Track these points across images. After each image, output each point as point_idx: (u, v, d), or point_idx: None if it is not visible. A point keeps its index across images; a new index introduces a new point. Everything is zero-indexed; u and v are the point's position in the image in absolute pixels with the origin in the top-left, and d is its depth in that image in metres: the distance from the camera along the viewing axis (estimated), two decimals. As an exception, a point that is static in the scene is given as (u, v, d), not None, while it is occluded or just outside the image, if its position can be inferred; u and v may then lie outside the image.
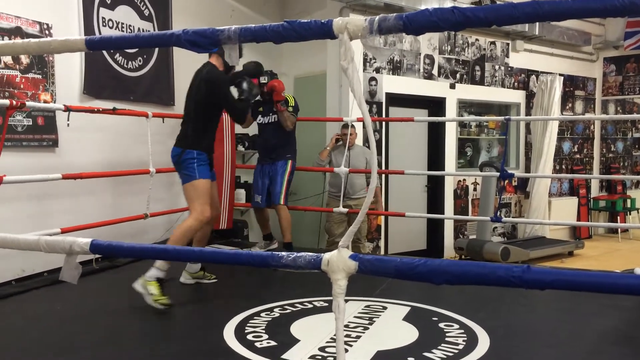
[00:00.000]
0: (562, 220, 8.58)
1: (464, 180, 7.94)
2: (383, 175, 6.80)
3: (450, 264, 1.05)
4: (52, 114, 4.24)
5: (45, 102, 4.19)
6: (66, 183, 4.23)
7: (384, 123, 6.98)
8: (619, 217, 9.68)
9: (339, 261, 1.21)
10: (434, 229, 7.68)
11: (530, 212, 8.43)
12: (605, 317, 3.48)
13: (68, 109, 3.83)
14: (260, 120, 5.10)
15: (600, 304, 3.65)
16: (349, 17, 1.27)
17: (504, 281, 1.00)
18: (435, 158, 7.68)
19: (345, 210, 5.52)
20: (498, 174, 6.93)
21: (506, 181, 8.49)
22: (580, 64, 9.61)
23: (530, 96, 8.70)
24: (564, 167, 9.44)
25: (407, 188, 7.32)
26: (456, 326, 3.25)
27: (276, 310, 3.53)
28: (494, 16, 1.07)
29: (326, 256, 1.24)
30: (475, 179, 7.97)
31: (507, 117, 5.36)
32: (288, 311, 3.52)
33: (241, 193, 6.36)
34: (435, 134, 7.67)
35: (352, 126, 6.19)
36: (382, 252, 7.10)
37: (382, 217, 6.88)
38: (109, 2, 4.90)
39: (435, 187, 7.69)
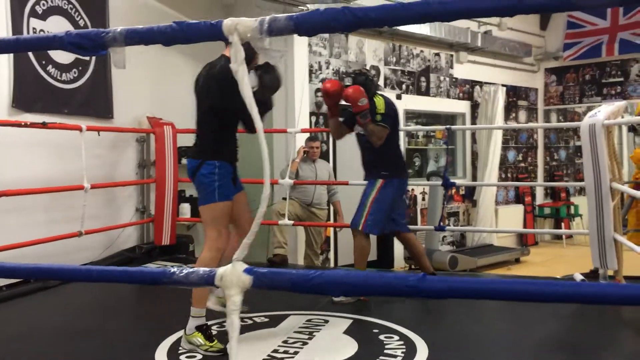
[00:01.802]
0: (508, 228, 8.74)
1: (412, 190, 8.00)
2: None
3: (345, 275, 1.00)
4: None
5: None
6: (-7, 201, 4.01)
7: (330, 134, 6.95)
8: (563, 224, 9.94)
9: (232, 276, 1.14)
10: (384, 239, 7.63)
11: (477, 220, 8.56)
12: (546, 324, 3.51)
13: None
14: (356, 129, 4.18)
15: (543, 313, 3.68)
16: (240, 18, 1.21)
17: (399, 291, 0.96)
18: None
19: (291, 222, 5.46)
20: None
21: (453, 190, 8.61)
22: (523, 74, 9.88)
23: (475, 106, 8.87)
24: (509, 175, 9.64)
25: (356, 199, 7.30)
26: (396, 338, 3.22)
27: (214, 327, 3.42)
28: (385, 16, 1.04)
29: (220, 271, 1.17)
30: (424, 188, 8.04)
31: (447, 126, 5.42)
32: (224, 329, 3.41)
33: (186, 207, 6.20)
34: (383, 144, 7.69)
35: (318, 139, 6.19)
36: (332, 264, 7.05)
37: (331, 229, 6.84)
38: (40, 12, 4.72)
39: (384, 198, 7.69)
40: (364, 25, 1.07)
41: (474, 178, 8.86)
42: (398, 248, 7.74)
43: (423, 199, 8.11)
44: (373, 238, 7.56)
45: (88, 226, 4.88)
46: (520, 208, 9.58)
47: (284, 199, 5.89)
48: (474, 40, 8.44)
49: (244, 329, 3.38)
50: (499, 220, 8.97)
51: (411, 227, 7.75)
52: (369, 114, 3.86)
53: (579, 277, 4.73)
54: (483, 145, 8.68)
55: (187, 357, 2.94)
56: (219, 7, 6.56)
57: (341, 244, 7.12)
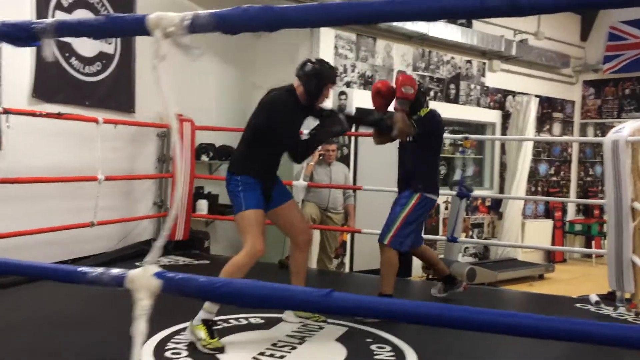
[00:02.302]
0: (533, 243, 8.48)
1: (436, 198, 7.84)
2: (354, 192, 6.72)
3: (251, 286, 0.96)
4: (-6, 116, 4.14)
5: (-14, 104, 4.10)
6: (8, 188, 4.12)
7: (352, 138, 6.90)
8: (594, 242, 9.60)
9: (142, 279, 1.12)
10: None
11: (502, 233, 8.35)
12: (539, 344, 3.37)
13: (6, 112, 3.73)
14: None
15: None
16: (164, 13, 1.18)
17: (304, 306, 0.91)
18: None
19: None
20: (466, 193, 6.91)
21: (479, 201, 8.43)
22: (559, 85, 9.59)
23: (506, 116, 8.66)
24: (539, 189, 9.37)
25: (377, 205, 7.21)
26: (388, 348, 3.14)
27: (221, 322, 3.41)
28: (304, 16, 0.99)
29: (131, 273, 1.15)
30: (447, 198, 7.88)
31: (465, 135, 5.29)
32: (219, 327, 3.39)
33: (203, 204, 6.24)
34: (407, 151, 7.59)
35: (335, 142, 6.16)
36: (347, 269, 6.99)
37: (348, 234, 6.78)
38: (65, 5, 4.83)
39: (405, 205, 7.59)
40: (284, 24, 1.03)
41: (502, 190, 8.64)
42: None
43: (446, 209, 7.96)
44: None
45: (104, 217, 4.96)
46: (549, 223, 9.30)
47: (304, 201, 5.88)
48: (509, 49, 8.24)
49: (236, 329, 3.37)
50: (525, 235, 8.73)
51: (426, 236, 7.65)
52: (407, 104, 3.66)
53: (594, 298, 4.54)
54: (512, 156, 8.47)
55: (172, 353, 2.94)
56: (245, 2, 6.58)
57: (357, 249, 7.05)
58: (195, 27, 1.13)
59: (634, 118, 8.72)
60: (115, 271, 1.18)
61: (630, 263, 4.15)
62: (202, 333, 3.02)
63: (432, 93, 7.76)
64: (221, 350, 2.99)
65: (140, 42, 5.64)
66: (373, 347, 3.16)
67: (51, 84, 4.69)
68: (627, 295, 4.30)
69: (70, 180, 4.62)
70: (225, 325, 3.42)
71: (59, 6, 4.76)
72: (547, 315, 1.08)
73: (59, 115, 4.16)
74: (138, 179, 5.62)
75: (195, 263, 5.45)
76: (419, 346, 3.15)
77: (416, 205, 3.81)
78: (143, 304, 1.11)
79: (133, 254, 5.47)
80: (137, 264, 5.17)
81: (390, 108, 3.84)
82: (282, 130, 3.26)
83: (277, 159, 3.39)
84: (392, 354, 3.06)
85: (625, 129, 4.19)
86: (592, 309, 4.38)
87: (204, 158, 6.36)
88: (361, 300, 0.89)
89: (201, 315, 3.05)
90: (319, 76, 3.27)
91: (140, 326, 1.17)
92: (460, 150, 8.03)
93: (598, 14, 9.66)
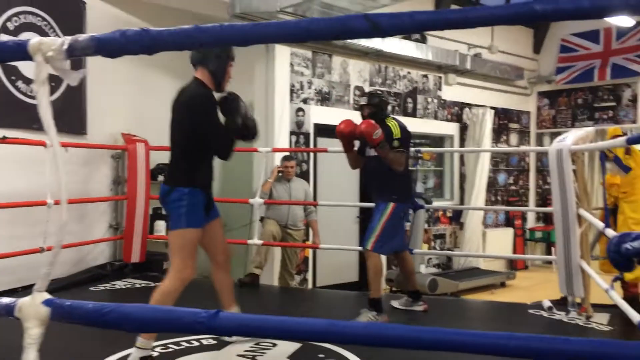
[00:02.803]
0: (495, 252, 8.62)
1: (397, 211, 7.91)
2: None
3: (139, 311, 0.95)
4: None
5: None
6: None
7: (311, 154, 6.93)
8: (553, 248, 9.77)
9: (31, 308, 1.10)
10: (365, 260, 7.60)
11: (464, 243, 8.45)
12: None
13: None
14: (367, 152, 4.16)
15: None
16: (44, 38, 1.19)
17: (190, 328, 0.91)
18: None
19: (260, 242, 5.42)
20: (428, 205, 6.99)
21: (440, 212, 8.53)
22: (515, 97, 9.83)
23: (464, 128, 8.82)
24: (499, 198, 9.54)
25: (338, 219, 7.25)
26: (340, 364, 3.13)
27: (157, 349, 3.35)
28: (180, 39, 1.01)
29: (19, 302, 1.13)
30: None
31: (417, 149, 5.38)
32: (170, 350, 3.34)
33: (161, 225, 6.17)
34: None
35: (294, 158, 6.17)
36: (310, 284, 6.97)
37: (310, 250, 6.77)
38: (12, 28, 4.76)
39: (367, 219, 7.62)
40: (160, 47, 1.04)
41: (462, 200, 8.77)
42: (381, 270, 7.65)
43: (408, 221, 8.02)
44: (355, 260, 7.56)
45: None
46: (510, 231, 9.46)
47: (262, 219, 5.86)
48: (463, 63, 8.42)
49: (188, 351, 3.32)
50: (487, 244, 8.86)
51: None
52: (386, 144, 3.88)
53: (547, 303, 4.63)
54: (471, 167, 8.62)
55: (118, 379, 2.87)
56: (189, 18, 6.59)
57: (320, 265, 7.05)
58: (74, 50, 1.13)
59: (586, 127, 8.99)
60: (5, 300, 1.16)
61: (578, 268, 4.24)
62: None
63: (390, 108, 7.85)
64: None
65: (92, 62, 5.58)
66: (325, 363, 3.15)
67: (-3, 108, 4.61)
68: (578, 300, 4.39)
69: (18, 206, 4.52)
70: (176, 348, 3.37)
71: (4, 29, 4.68)
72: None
73: (3, 140, 4.07)
74: (91, 202, 5.52)
75: (152, 285, 5.35)
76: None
77: (392, 214, 4.01)
78: (32, 333, 1.09)
79: (88, 279, 5.37)
80: (91, 288, 5.07)
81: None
82: (216, 126, 3.05)
83: (212, 164, 3.17)
84: (343, 369, 3.05)
85: (569, 138, 4.31)
86: (545, 314, 4.46)
87: (161, 178, 6.30)
88: (247, 319, 0.89)
89: (137, 354, 2.88)
90: (220, 55, 3.09)
91: (30, 356, 1.14)
92: (413, 164, 8.12)
93: (549, 27, 9.96)
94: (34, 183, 4.79)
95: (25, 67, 4.82)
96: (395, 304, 4.50)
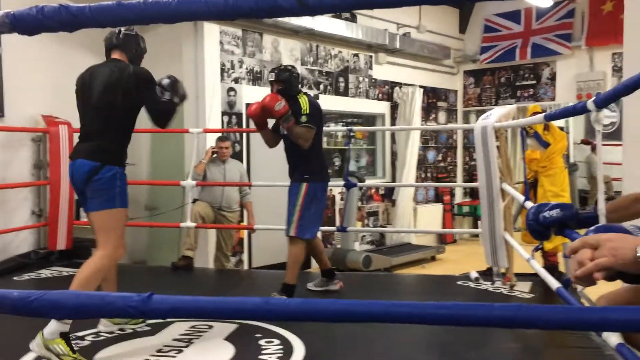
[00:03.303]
0: (424, 227, 8.90)
1: (331, 190, 8.00)
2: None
3: (67, 297, 0.93)
4: None
5: None
6: None
7: (244, 135, 6.86)
8: (479, 222, 10.20)
9: None
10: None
11: (396, 219, 8.67)
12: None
13: None
14: (281, 131, 4.09)
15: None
16: None
17: (123, 312, 0.90)
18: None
19: (193, 225, 5.34)
20: (361, 184, 7.11)
21: (373, 190, 8.70)
22: (442, 76, 10.08)
23: (395, 107, 8.98)
24: (429, 174, 9.83)
25: (274, 200, 7.23)
26: (277, 342, 3.17)
27: (89, 337, 3.26)
28: (101, 16, 0.97)
29: None
30: (342, 189, 8.06)
31: (349, 127, 5.44)
32: (102, 338, 3.26)
33: (89, 210, 5.95)
34: (300, 144, 7.66)
35: (229, 139, 6.06)
36: (246, 265, 6.95)
37: (245, 231, 6.74)
38: None
39: (301, 198, 7.67)
40: (81, 24, 1.00)
41: (394, 178, 8.97)
42: (316, 248, 7.74)
43: (341, 199, 8.13)
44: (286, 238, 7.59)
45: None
46: (439, 207, 9.78)
47: (194, 200, 5.76)
48: (392, 42, 8.53)
49: (120, 339, 3.25)
50: (417, 219, 9.12)
51: (322, 228, 7.72)
52: (291, 117, 3.79)
53: (474, 274, 4.85)
54: (402, 145, 8.81)
55: (46, 371, 2.78)
56: None
57: (255, 246, 7.03)
58: None
59: (509, 104, 9.37)
60: None
61: (502, 240, 4.46)
62: (62, 348, 2.72)
63: (321, 87, 7.88)
64: None
65: (7, 40, 5.25)
66: (262, 342, 3.17)
67: None
68: (503, 270, 4.63)
69: None
70: (108, 335, 3.29)
71: None
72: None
73: None
74: (10, 188, 5.24)
75: (81, 272, 5.18)
76: (308, 337, 3.20)
77: (307, 194, 3.95)
78: None
79: (11, 268, 5.13)
80: (15, 278, 4.84)
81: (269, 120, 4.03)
82: (156, 99, 3.17)
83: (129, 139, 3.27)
84: (281, 346, 3.09)
85: (493, 115, 4.49)
86: (472, 285, 4.68)
87: (87, 162, 6.06)
88: (182, 300, 0.88)
89: (57, 327, 2.72)
90: (134, 36, 3.32)
91: None
92: (345, 142, 8.22)
93: (474, 7, 10.25)
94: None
95: None
96: (310, 285, 4.49)
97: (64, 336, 2.78)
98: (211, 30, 6.49)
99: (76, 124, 5.65)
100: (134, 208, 7.13)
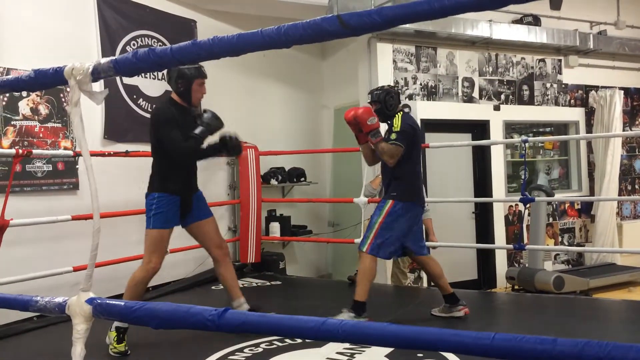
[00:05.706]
0: (633, 247, 7.83)
1: (516, 205, 7.52)
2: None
3: (161, 308, 1.01)
4: (72, 159, 4.54)
5: (65, 148, 4.52)
6: (84, 223, 4.48)
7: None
8: None
9: (76, 306, 1.21)
10: (485, 257, 7.32)
11: (595, 236, 7.80)
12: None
13: (77, 155, 4.10)
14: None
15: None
16: (75, 63, 1.30)
17: (203, 325, 0.96)
18: (483, 183, 7.36)
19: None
20: (548, 198, 6.57)
21: (567, 205, 7.97)
22: (650, 75, 8.88)
23: (590, 113, 8.15)
24: (637, 187, 8.68)
25: (452, 216, 7.05)
26: (439, 363, 3.06)
27: (262, 345, 3.50)
28: (180, 55, 1.06)
29: (69, 301, 1.24)
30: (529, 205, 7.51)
31: (524, 138, 5.07)
32: (274, 347, 3.47)
33: (275, 226, 6.42)
34: (481, 158, 7.36)
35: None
36: (425, 283, 6.84)
37: (423, 247, 6.63)
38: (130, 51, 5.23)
39: (483, 214, 7.35)
40: (166, 64, 1.10)
41: (592, 191, 8.10)
42: (501, 265, 7.31)
43: (529, 215, 7.58)
44: (473, 257, 7.29)
45: (177, 245, 5.23)
46: (652, 223, 8.56)
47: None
48: (585, 43, 7.78)
49: (290, 348, 3.41)
50: (624, 237, 8.09)
51: (492, 245, 7.20)
52: (379, 133, 3.85)
53: None
54: (600, 154, 7.93)
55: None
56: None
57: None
58: (98, 73, 1.23)
59: None
60: (58, 299, 1.29)
61: None
62: (112, 338, 3.32)
63: (502, 97, 7.50)
64: (123, 354, 3.29)
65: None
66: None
67: (121, 125, 5.09)
68: None
69: (132, 214, 4.90)
70: (280, 344, 3.49)
71: (124, 53, 5.17)
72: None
73: (126, 154, 4.49)
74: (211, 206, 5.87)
75: (268, 284, 5.60)
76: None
77: (390, 212, 3.86)
78: (79, 329, 1.21)
79: (210, 279, 5.73)
80: (213, 287, 5.39)
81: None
82: (169, 134, 3.38)
83: (187, 169, 3.60)
84: (441, 368, 2.98)
85: None
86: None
87: (273, 182, 6.55)
88: (250, 316, 0.92)
89: (116, 322, 3.27)
90: (183, 76, 3.47)
91: (77, 349, 1.26)
92: (520, 155, 7.63)
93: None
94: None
95: (145, 87, 5.27)
96: (434, 311, 4.24)
97: (118, 329, 3.30)
98: (384, 50, 6.61)
99: (268, 146, 6.26)
100: (319, 224, 7.55)
